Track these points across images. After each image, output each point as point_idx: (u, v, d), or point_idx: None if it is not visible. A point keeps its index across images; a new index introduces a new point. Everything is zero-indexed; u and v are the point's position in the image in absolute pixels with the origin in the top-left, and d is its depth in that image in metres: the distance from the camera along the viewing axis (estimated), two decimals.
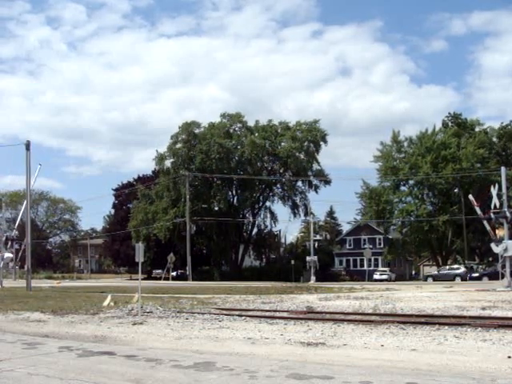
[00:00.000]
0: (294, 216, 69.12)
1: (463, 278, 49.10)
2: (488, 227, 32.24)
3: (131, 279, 64.70)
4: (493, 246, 30.90)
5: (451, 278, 49.54)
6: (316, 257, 57.82)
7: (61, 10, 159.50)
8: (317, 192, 68.30)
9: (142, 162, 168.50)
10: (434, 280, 50.43)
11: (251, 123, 68.23)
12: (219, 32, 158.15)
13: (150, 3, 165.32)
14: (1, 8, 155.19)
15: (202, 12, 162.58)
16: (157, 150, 67.66)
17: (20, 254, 47.23)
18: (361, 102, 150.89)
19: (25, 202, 39.71)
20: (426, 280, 53.19)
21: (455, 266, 55.33)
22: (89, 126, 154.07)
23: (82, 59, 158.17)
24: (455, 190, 58.79)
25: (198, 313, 16.31)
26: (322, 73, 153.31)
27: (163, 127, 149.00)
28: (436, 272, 55.06)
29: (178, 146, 66.03)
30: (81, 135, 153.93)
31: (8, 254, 42.77)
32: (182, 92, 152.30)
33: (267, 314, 16.04)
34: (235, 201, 68.57)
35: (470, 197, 36.51)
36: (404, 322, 12.82)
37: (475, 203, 35.00)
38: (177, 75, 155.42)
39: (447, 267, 55.33)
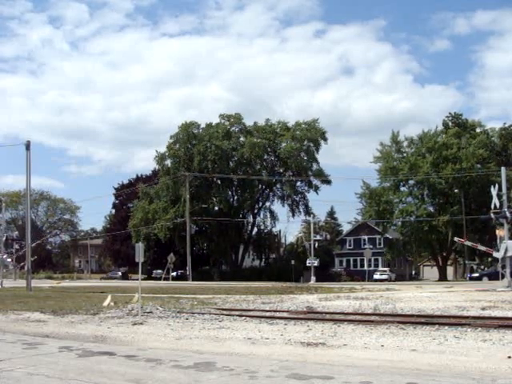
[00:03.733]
0: (293, 216, 69.27)
1: (120, 279, 64.56)
2: (483, 248, 34.26)
3: (131, 279, 64.69)
4: (495, 254, 31.42)
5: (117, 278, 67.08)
6: (316, 260, 57.52)
7: (63, 9, 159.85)
8: (317, 192, 68.49)
9: (143, 162, 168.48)
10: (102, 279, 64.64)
11: (255, 122, 68.56)
12: (222, 31, 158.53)
13: (152, 2, 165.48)
14: (3, 7, 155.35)
15: (204, 11, 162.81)
16: (156, 150, 68.34)
17: (24, 261, 47.23)
18: (364, 101, 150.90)
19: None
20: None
21: (121, 269, 74.28)
22: (90, 125, 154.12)
23: (84, 58, 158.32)
24: (455, 191, 58.78)
25: (198, 313, 16.29)
26: (324, 72, 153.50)
27: (165, 127, 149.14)
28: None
29: (177, 146, 66.16)
30: (82, 135, 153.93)
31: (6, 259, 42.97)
32: (184, 91, 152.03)
33: (267, 314, 16.02)
34: (235, 201, 68.58)
35: (456, 239, 40.47)
36: (404, 322, 12.81)
37: (462, 241, 40.15)
38: (179, 74, 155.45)
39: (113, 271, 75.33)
